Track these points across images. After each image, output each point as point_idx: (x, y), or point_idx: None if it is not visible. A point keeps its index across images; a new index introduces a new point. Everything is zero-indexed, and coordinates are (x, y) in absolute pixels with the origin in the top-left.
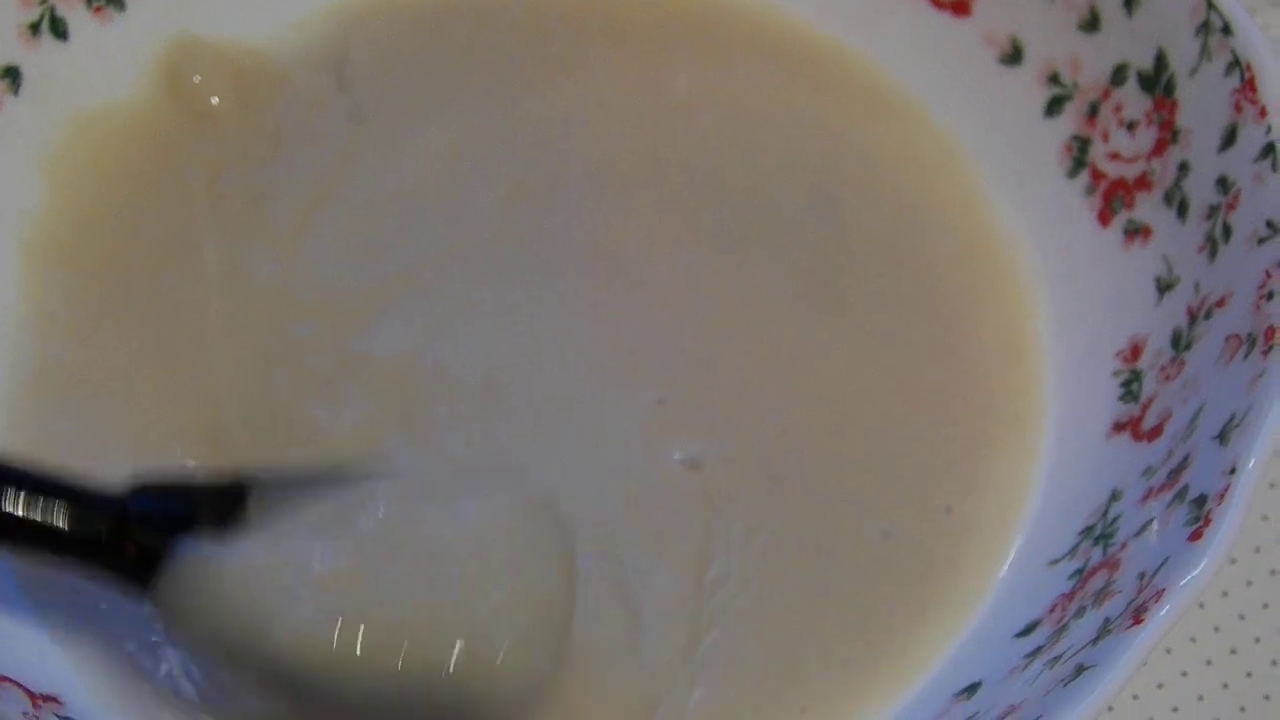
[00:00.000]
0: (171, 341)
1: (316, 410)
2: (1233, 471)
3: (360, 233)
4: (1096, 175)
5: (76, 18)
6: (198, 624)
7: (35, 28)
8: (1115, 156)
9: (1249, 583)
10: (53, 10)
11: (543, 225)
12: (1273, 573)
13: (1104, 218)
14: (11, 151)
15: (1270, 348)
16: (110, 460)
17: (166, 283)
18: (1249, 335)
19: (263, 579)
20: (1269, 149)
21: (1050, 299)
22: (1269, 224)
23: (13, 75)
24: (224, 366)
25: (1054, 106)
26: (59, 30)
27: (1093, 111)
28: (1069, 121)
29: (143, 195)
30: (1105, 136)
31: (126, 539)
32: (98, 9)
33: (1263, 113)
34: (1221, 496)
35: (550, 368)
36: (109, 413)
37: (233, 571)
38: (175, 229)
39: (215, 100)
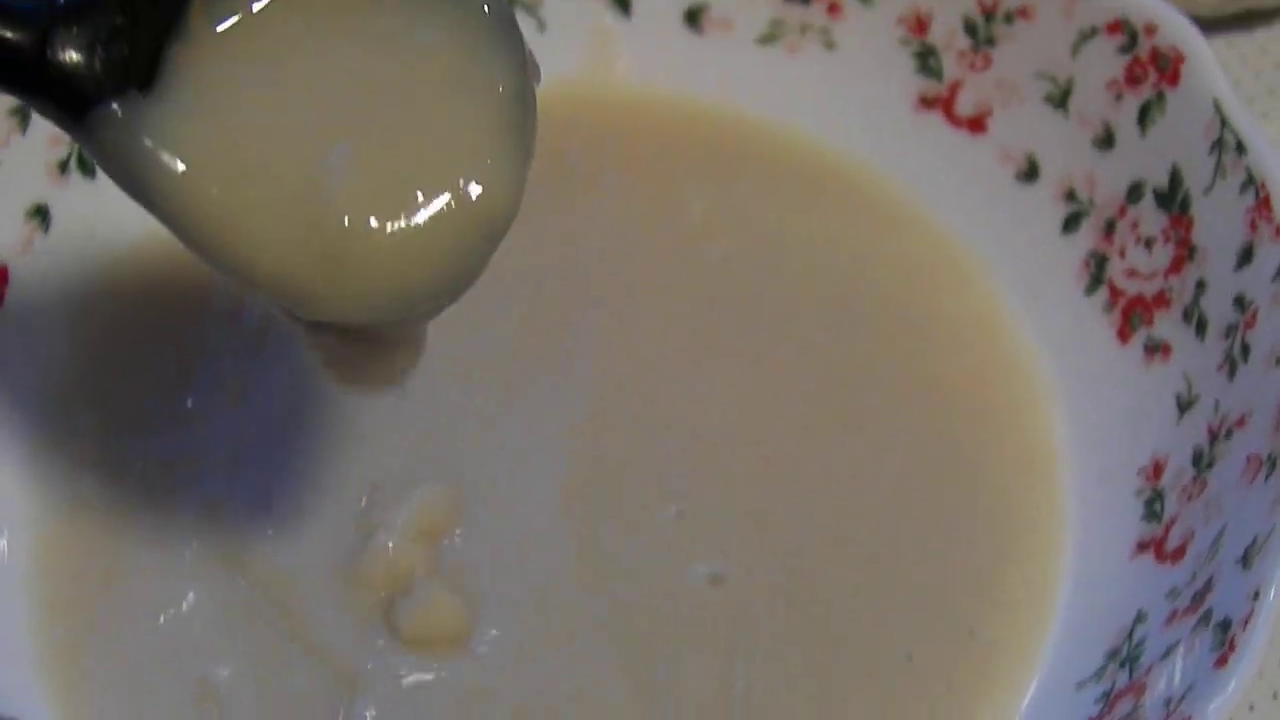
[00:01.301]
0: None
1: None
2: (1256, 596)
3: None
4: (1115, 292)
5: None
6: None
7: (64, 166)
8: (1133, 273)
9: (1275, 695)
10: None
11: (560, 344)
12: None
13: (1123, 334)
14: (41, 291)
15: None
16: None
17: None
18: (1269, 456)
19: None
20: None
21: (1070, 416)
22: None
23: (42, 214)
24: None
25: (1071, 223)
26: (87, 168)
27: (1110, 228)
28: (1086, 238)
29: (166, 327)
30: (1123, 253)
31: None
32: None
33: (1278, 232)
34: (1246, 622)
35: (567, 488)
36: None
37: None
38: (196, 353)
39: None
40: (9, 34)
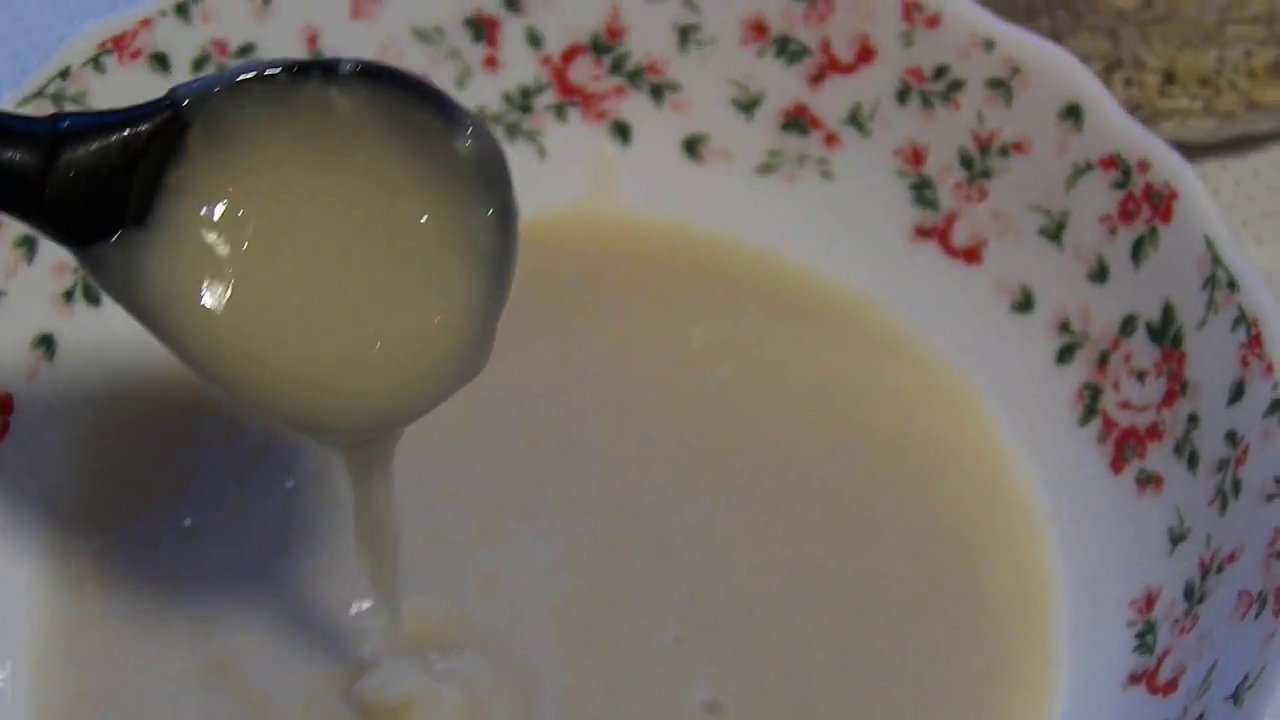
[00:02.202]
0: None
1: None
2: None
3: None
4: (1108, 423)
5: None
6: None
7: (69, 295)
8: (1126, 405)
9: None
10: (88, 278)
11: (558, 468)
12: None
13: (1116, 466)
14: (46, 418)
15: None
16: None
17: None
18: (1260, 594)
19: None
20: (1276, 405)
21: (1064, 546)
22: (1277, 481)
23: (47, 343)
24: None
25: (1065, 354)
26: (92, 297)
27: (1103, 360)
28: (1080, 369)
29: (165, 450)
30: (1116, 385)
31: (54, 174)
32: None
33: (1269, 369)
34: None
35: (567, 606)
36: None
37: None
38: (194, 473)
39: None
40: (14, 155)
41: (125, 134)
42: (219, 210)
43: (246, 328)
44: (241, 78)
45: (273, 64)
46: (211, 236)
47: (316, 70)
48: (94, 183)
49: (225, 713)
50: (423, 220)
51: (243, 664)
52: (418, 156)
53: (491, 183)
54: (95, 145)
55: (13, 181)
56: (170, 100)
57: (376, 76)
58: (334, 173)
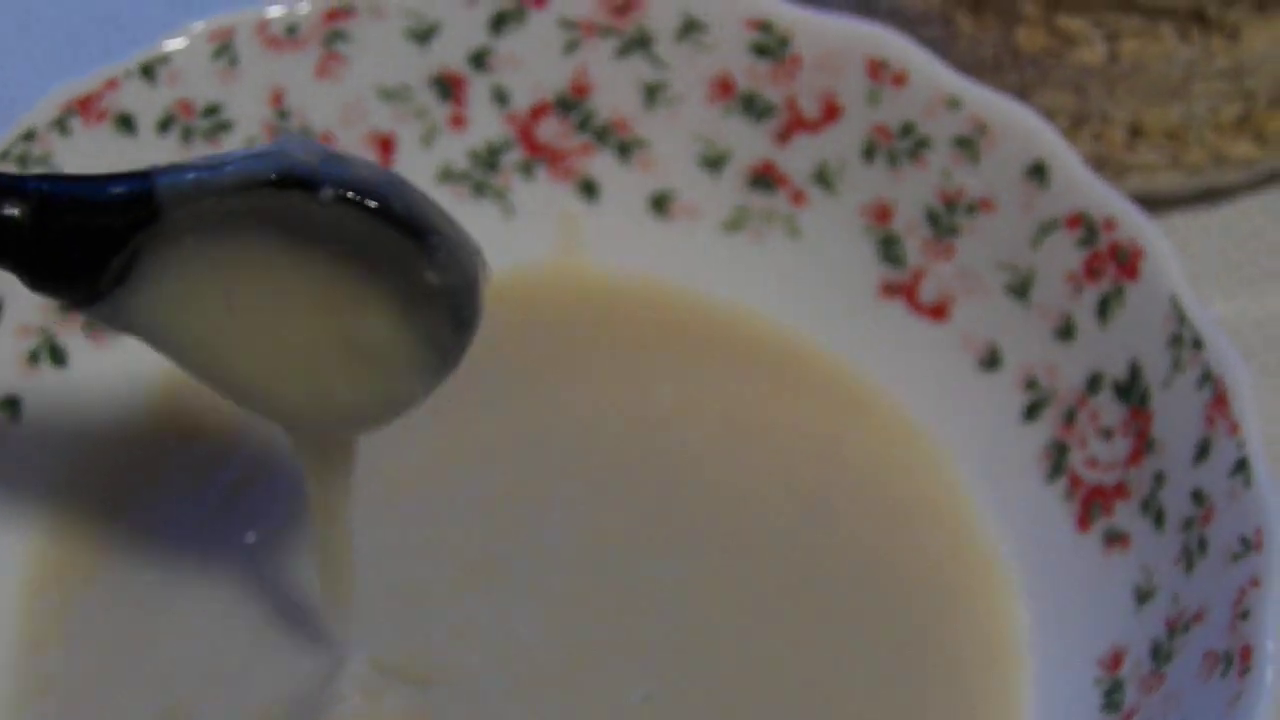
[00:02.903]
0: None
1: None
2: None
3: None
4: (1075, 481)
5: (75, 344)
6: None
7: (34, 356)
8: (1093, 463)
9: None
10: (52, 340)
11: (527, 528)
12: None
13: (1083, 523)
14: (13, 480)
15: (1246, 669)
16: None
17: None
18: (1225, 653)
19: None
20: (1241, 464)
21: (1030, 604)
22: (1243, 541)
23: (12, 405)
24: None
25: (1032, 412)
26: (57, 358)
27: (1070, 418)
28: (1047, 427)
29: (128, 505)
30: (1083, 443)
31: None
32: (95, 334)
33: (1234, 428)
34: None
35: (535, 667)
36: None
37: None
38: (159, 527)
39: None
40: (10, 209)
41: (104, 220)
42: (194, 278)
43: (224, 360)
44: (224, 181)
45: (255, 172)
46: (188, 299)
47: (298, 187)
48: (76, 248)
49: None
50: (379, 325)
51: (200, 713)
52: (386, 274)
53: (458, 309)
54: (76, 219)
55: (7, 233)
56: (150, 188)
57: (355, 206)
58: (303, 263)
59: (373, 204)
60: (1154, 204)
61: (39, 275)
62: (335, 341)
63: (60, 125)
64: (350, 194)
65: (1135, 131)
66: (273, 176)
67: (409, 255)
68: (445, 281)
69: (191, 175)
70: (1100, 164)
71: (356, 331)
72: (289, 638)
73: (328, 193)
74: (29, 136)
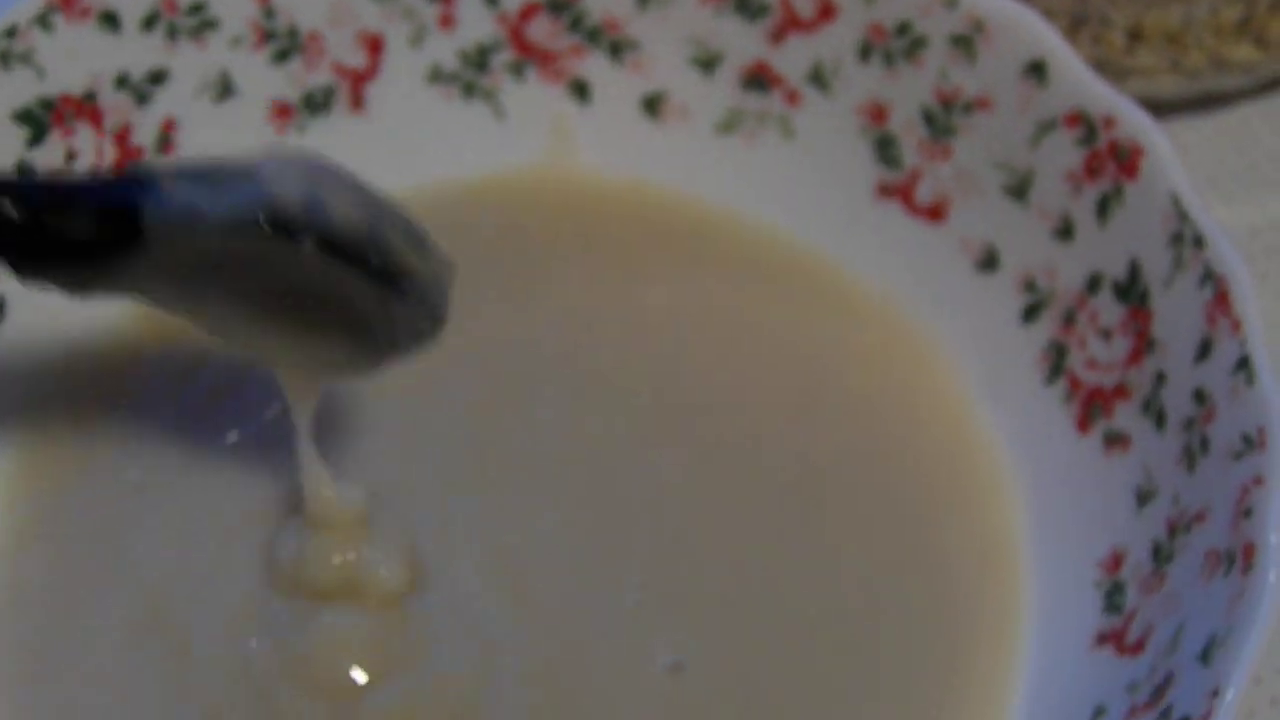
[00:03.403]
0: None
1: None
2: (1215, 694)
3: (329, 444)
4: (1075, 383)
5: None
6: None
7: None
8: (1093, 364)
9: None
10: None
11: (516, 430)
12: None
13: (1083, 425)
14: None
15: (1249, 567)
16: None
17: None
18: (1228, 552)
19: None
20: (1243, 362)
21: (1029, 506)
22: (1245, 439)
23: None
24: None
25: (1031, 313)
26: None
27: (1069, 319)
28: (1046, 328)
29: (121, 422)
30: (1082, 344)
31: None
32: None
33: (1236, 326)
34: None
35: (525, 569)
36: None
37: None
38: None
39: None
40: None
41: (89, 232)
42: (174, 281)
43: (206, 327)
44: (210, 221)
45: (241, 213)
46: (167, 296)
47: (282, 232)
48: (63, 251)
49: (156, 660)
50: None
51: (182, 611)
52: (357, 305)
53: (422, 334)
54: (64, 225)
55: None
56: (135, 212)
57: (337, 252)
58: (278, 282)
59: (350, 264)
60: (1153, 109)
61: (25, 270)
62: (309, 337)
63: (43, 21)
64: (330, 246)
65: (1135, 35)
66: (259, 219)
67: (382, 296)
68: (412, 318)
69: (179, 206)
70: (1099, 67)
71: (325, 338)
72: (271, 537)
73: (308, 245)
74: (10, 33)
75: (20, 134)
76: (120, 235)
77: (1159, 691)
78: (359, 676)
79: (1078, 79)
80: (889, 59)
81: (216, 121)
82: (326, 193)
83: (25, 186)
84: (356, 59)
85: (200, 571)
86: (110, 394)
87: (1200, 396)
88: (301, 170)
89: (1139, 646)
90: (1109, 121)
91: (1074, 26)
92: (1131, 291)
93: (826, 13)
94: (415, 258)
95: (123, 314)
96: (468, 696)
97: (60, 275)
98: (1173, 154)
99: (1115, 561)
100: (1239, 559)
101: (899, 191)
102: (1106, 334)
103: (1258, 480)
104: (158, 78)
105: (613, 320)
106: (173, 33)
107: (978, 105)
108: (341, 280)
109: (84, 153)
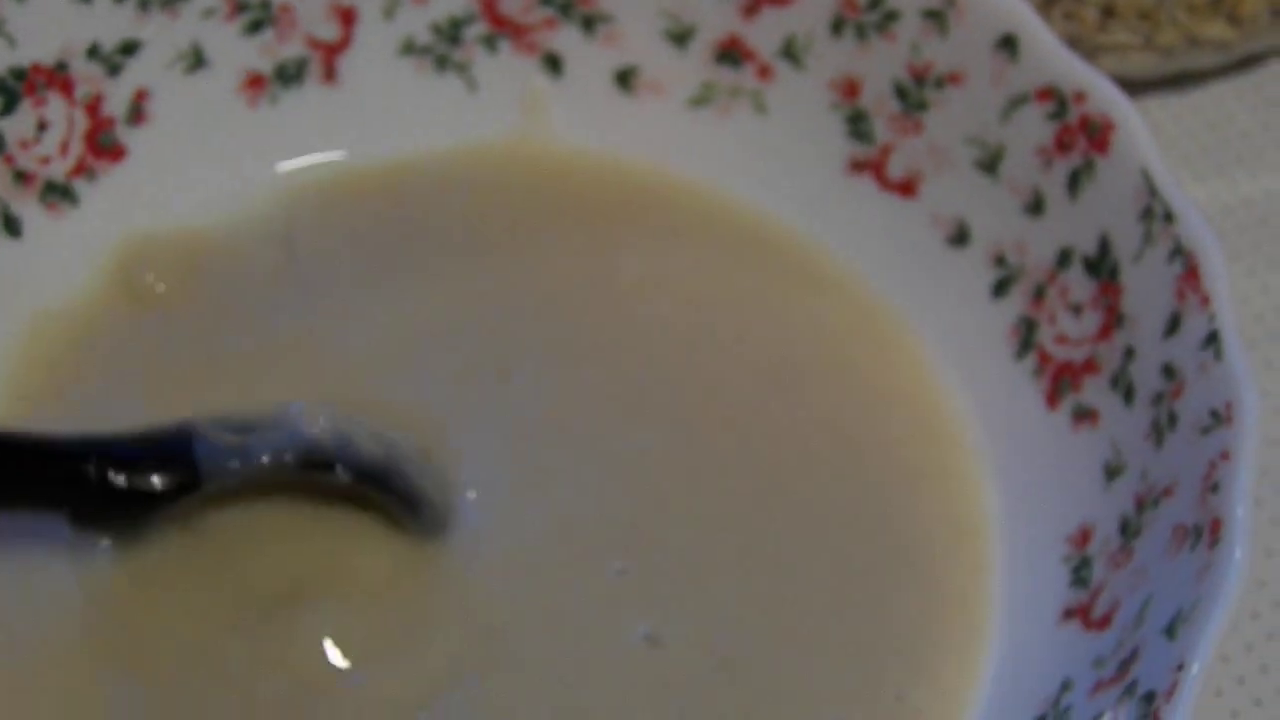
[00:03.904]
0: None
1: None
2: (1180, 669)
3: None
4: (1044, 357)
5: (30, 214)
6: None
7: None
8: (1062, 339)
9: None
10: (6, 208)
11: (490, 404)
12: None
13: (1052, 400)
14: None
15: (1215, 541)
16: None
17: None
18: (1195, 527)
19: None
20: (1212, 338)
21: (998, 480)
22: (1213, 414)
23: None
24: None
25: (1001, 288)
26: (12, 228)
27: (1039, 294)
28: (1016, 303)
29: (98, 389)
30: (1052, 319)
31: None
32: (51, 205)
33: (1205, 301)
34: (1170, 694)
35: (506, 540)
36: None
37: None
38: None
39: (161, 288)
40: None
41: (152, 484)
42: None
43: None
44: (255, 464)
45: (282, 454)
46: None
47: (323, 466)
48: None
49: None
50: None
51: None
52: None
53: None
54: (131, 482)
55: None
56: (195, 465)
57: (370, 480)
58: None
59: (380, 487)
60: (1126, 87)
61: (86, 521)
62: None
63: None
64: (363, 475)
65: (1108, 11)
66: (297, 460)
67: (402, 514)
68: (424, 530)
69: (229, 452)
70: (1072, 44)
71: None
72: None
73: (345, 474)
74: None
75: None
76: (184, 483)
77: (1125, 666)
78: (338, 661)
79: (1049, 53)
80: (861, 33)
81: (188, 92)
82: (344, 431)
83: (99, 446)
84: (329, 31)
85: None
86: (82, 360)
87: (1169, 372)
88: (329, 414)
89: (1105, 621)
90: (1080, 96)
91: (1046, 2)
92: (1101, 266)
93: None
94: (426, 484)
95: (96, 277)
96: (445, 664)
97: (119, 521)
98: (1144, 129)
99: (1083, 537)
100: (1206, 534)
101: (870, 166)
102: (1076, 309)
103: (1225, 455)
104: (129, 48)
105: (584, 293)
106: (144, 3)
107: (949, 80)
108: (370, 499)
109: (55, 123)
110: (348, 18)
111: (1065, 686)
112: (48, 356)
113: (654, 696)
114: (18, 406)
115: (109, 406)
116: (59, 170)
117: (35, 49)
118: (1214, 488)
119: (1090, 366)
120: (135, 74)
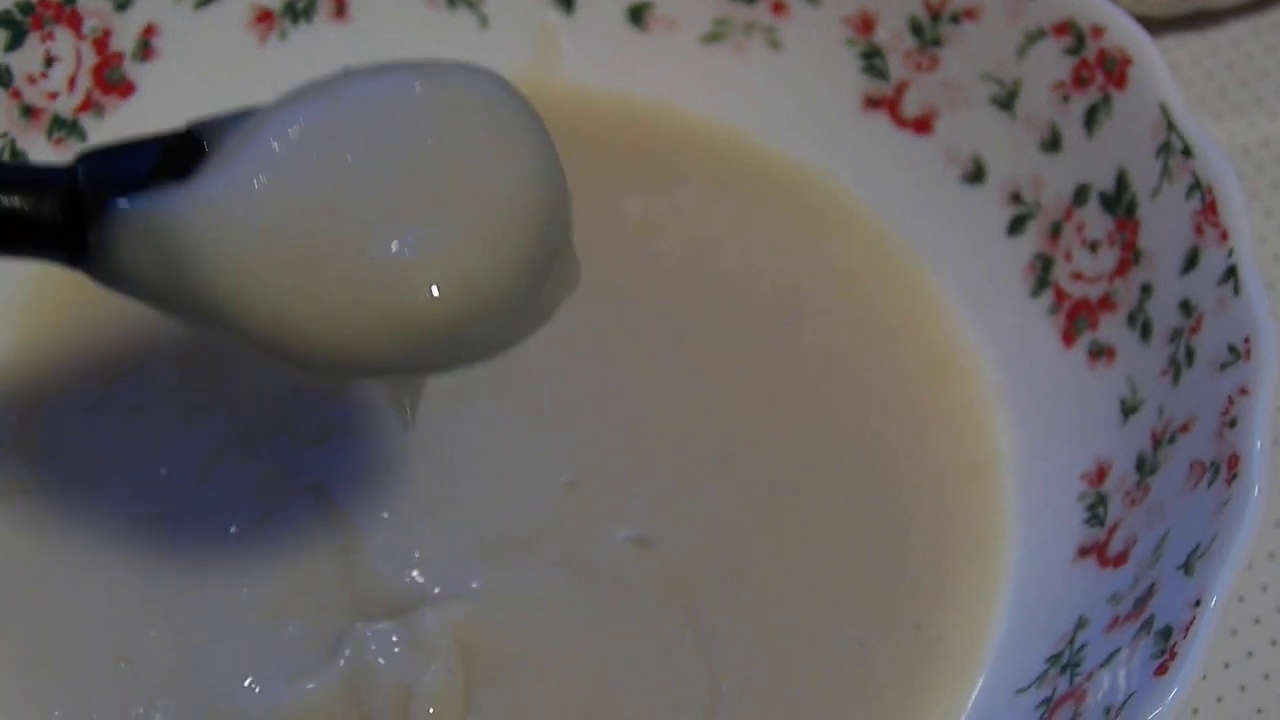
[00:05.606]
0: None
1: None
2: (1198, 604)
3: None
4: (1060, 295)
5: (37, 149)
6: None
7: None
8: (1078, 276)
9: (1219, 699)
10: (13, 143)
11: None
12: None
13: (1068, 338)
14: None
15: (1233, 476)
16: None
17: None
18: (1212, 462)
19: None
20: (1230, 273)
21: (1013, 418)
22: (1231, 349)
23: None
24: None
25: (1017, 225)
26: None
27: (1055, 231)
28: (1032, 241)
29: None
30: (1068, 256)
31: (77, 215)
32: (58, 140)
33: (1224, 236)
34: (1187, 629)
35: (511, 472)
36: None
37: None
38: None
39: None
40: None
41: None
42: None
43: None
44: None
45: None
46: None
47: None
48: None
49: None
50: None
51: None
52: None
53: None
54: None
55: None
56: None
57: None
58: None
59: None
60: (1145, 26)
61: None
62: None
63: None
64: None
65: None
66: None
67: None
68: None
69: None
70: None
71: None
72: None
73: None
74: None
75: None
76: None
77: (1141, 602)
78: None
79: None
80: None
81: (197, 28)
82: None
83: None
84: None
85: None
86: (86, 312)
87: (1187, 307)
88: None
89: (1122, 558)
90: (1097, 30)
91: None
92: (1119, 202)
93: None
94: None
95: None
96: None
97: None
98: (1162, 63)
99: (1099, 474)
100: (1223, 469)
101: (885, 103)
102: (1093, 245)
103: (1243, 390)
104: None
105: (595, 229)
106: None
107: (965, 15)
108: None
109: (63, 58)
110: None
111: (1080, 623)
112: (56, 297)
113: (653, 593)
114: (26, 337)
115: (124, 343)
116: (66, 106)
117: None
118: (1232, 423)
119: (1107, 303)
120: (144, 9)
